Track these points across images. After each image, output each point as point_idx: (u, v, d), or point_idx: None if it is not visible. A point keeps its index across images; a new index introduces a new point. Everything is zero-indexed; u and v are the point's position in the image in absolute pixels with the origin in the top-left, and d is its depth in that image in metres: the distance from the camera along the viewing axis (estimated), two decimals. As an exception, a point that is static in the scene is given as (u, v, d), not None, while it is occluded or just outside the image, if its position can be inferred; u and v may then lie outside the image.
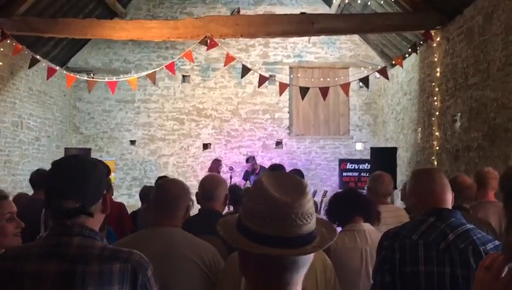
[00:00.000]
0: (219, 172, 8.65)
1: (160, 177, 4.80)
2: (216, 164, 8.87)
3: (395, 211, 3.71)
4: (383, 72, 8.10)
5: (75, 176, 1.57)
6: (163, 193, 2.35)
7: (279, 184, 1.11)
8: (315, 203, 3.28)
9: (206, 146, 10.98)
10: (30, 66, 7.88)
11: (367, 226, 2.98)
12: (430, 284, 2.06)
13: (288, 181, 1.14)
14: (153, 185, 6.27)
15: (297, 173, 4.04)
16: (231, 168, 10.06)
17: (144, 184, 7.62)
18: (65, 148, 8.95)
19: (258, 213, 1.08)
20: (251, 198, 1.12)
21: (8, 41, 7.37)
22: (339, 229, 3.10)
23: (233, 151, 10.92)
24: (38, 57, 7.94)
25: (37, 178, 4.60)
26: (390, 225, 3.42)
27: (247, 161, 9.34)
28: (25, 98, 8.66)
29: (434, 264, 2.07)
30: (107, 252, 1.55)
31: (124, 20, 9.72)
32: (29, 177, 8.10)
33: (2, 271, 1.53)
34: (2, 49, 7.51)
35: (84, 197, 1.56)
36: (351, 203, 3.03)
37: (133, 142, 10.94)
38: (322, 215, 3.89)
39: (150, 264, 1.60)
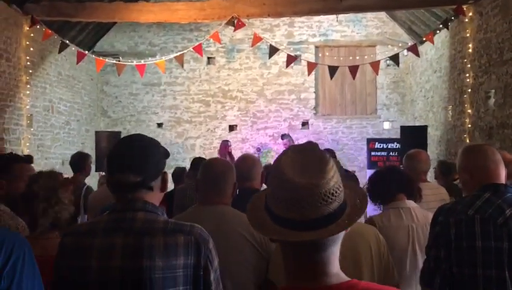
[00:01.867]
0: (229, 152, 8.51)
1: (196, 159, 4.85)
2: (224, 144, 8.75)
3: (435, 188, 3.69)
4: (414, 49, 7.94)
5: (138, 152, 1.63)
6: (211, 171, 2.37)
7: (299, 162, 1.02)
8: (354, 176, 3.24)
9: (232, 128, 11.00)
10: (60, 51, 7.96)
11: (411, 203, 2.95)
12: (487, 258, 2.06)
13: (309, 159, 1.04)
14: (183, 166, 6.39)
15: (329, 153, 4.02)
16: (258, 149, 10.07)
17: (172, 166, 7.69)
18: (95, 132, 9.07)
19: (276, 195, 1.01)
20: (270, 179, 1.04)
21: (38, 26, 7.46)
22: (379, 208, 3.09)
23: (259, 132, 10.91)
24: (67, 41, 8.01)
25: (77, 160, 4.68)
26: (431, 202, 3.41)
27: (282, 137, 9.28)
28: (55, 82, 8.77)
29: (492, 239, 2.06)
30: (171, 226, 1.60)
31: (150, 2, 9.69)
32: (61, 161, 8.40)
33: (71, 246, 1.59)
34: (32, 35, 7.60)
35: (145, 172, 1.60)
36: (394, 180, 3.00)
37: (160, 125, 11.03)
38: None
39: (210, 237, 1.64)
